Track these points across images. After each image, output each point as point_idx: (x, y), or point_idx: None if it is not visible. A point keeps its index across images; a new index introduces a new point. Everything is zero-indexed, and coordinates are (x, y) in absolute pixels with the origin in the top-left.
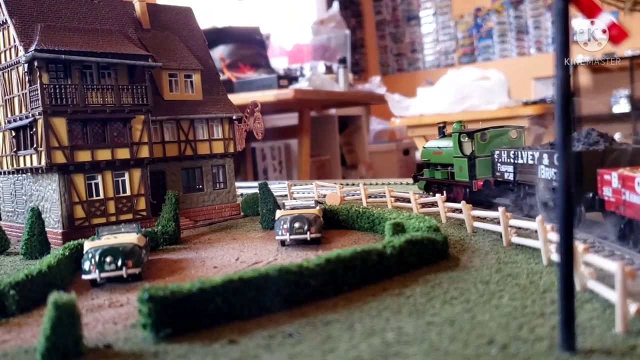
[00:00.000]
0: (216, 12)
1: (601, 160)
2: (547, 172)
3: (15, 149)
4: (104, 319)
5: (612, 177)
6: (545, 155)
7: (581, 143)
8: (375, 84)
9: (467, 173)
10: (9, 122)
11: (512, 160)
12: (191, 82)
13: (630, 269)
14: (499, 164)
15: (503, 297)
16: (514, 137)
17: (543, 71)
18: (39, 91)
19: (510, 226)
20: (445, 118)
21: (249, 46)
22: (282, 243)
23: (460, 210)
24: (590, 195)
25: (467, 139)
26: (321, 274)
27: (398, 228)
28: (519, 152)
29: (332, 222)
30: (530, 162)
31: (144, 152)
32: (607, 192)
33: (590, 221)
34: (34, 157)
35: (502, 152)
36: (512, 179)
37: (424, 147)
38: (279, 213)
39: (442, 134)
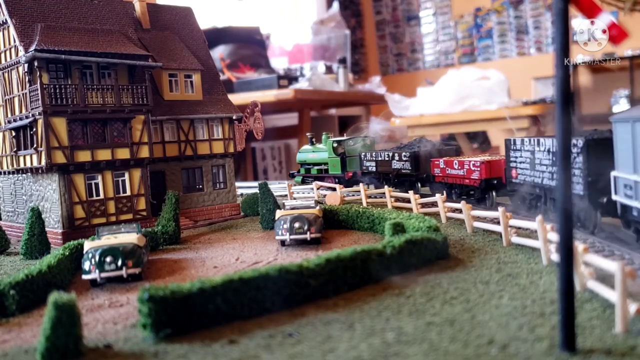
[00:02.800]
0: (216, 12)
1: (429, 155)
2: (397, 164)
3: (15, 149)
4: (104, 319)
5: (440, 162)
6: (396, 154)
7: (416, 146)
8: (375, 84)
9: (340, 168)
10: (9, 122)
11: (374, 158)
12: (191, 82)
13: (630, 269)
14: (364, 161)
15: (503, 297)
16: (369, 144)
17: (543, 71)
18: (39, 91)
19: (510, 226)
20: (446, 118)
21: (249, 46)
22: (282, 243)
23: (460, 210)
24: (424, 175)
25: (338, 144)
26: (321, 274)
27: (398, 228)
28: (379, 153)
29: (332, 222)
30: (387, 159)
31: (144, 152)
32: (437, 171)
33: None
34: (34, 157)
35: (367, 153)
36: (374, 170)
37: (299, 152)
38: (279, 213)
39: (312, 142)
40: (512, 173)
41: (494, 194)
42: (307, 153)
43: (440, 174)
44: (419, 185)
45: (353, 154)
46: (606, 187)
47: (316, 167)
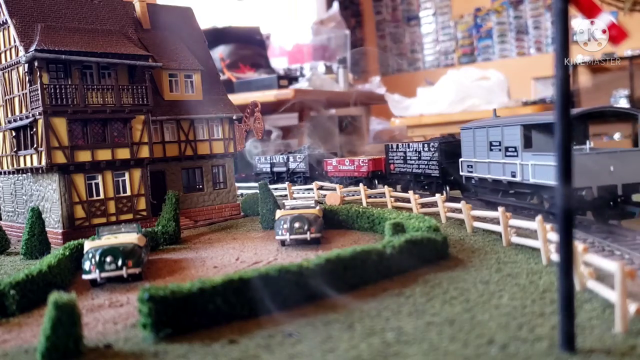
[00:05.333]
0: (216, 12)
1: (318, 161)
2: (292, 164)
3: (15, 149)
4: (104, 318)
5: (332, 161)
6: (291, 156)
7: (308, 151)
8: (375, 84)
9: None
10: (9, 122)
11: (269, 161)
12: (191, 82)
13: (630, 269)
14: (259, 164)
15: (503, 297)
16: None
17: (543, 71)
18: (39, 91)
19: (510, 226)
20: (445, 118)
21: (249, 46)
22: (282, 243)
23: (460, 210)
24: (317, 172)
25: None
26: (321, 273)
27: (398, 228)
28: (274, 156)
29: (332, 222)
30: (281, 161)
31: (144, 152)
32: (329, 168)
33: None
34: (34, 157)
35: (261, 157)
36: (269, 170)
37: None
38: (279, 213)
39: None
40: (390, 167)
41: (376, 181)
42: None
43: (332, 170)
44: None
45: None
46: (450, 172)
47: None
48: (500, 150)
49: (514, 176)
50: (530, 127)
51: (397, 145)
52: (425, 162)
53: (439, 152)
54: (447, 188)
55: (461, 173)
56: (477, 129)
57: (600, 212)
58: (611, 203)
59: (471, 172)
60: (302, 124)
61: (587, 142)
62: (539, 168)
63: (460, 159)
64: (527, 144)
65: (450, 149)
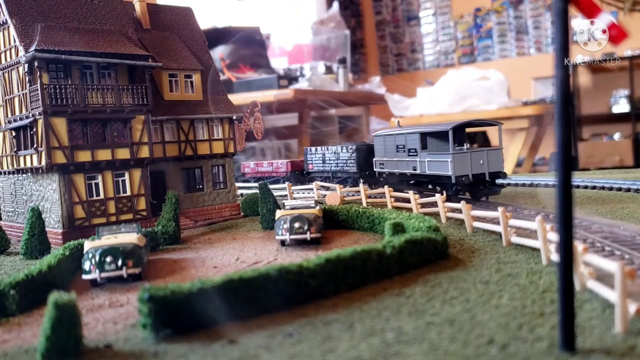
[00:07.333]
0: (216, 12)
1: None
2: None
3: (15, 149)
4: (104, 318)
5: (250, 164)
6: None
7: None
8: (375, 84)
9: None
10: (9, 122)
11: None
12: (191, 82)
13: (630, 269)
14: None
15: (503, 297)
16: None
17: (543, 71)
18: (39, 91)
19: (510, 226)
20: (445, 118)
21: (249, 46)
22: (282, 243)
23: (460, 210)
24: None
25: None
26: (321, 274)
27: (398, 228)
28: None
29: (332, 222)
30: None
31: (144, 152)
32: (247, 170)
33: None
34: (34, 157)
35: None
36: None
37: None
38: (279, 213)
39: None
40: (309, 167)
41: (292, 180)
42: None
43: (250, 172)
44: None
45: None
46: (365, 169)
47: None
48: (404, 151)
49: (415, 170)
50: (426, 134)
51: (316, 148)
52: (344, 161)
53: (357, 153)
54: (362, 181)
55: (375, 169)
56: (386, 136)
57: (475, 191)
58: (481, 186)
59: (382, 168)
60: (305, 124)
61: (465, 144)
62: (432, 163)
63: (374, 159)
64: (424, 146)
65: (364, 150)
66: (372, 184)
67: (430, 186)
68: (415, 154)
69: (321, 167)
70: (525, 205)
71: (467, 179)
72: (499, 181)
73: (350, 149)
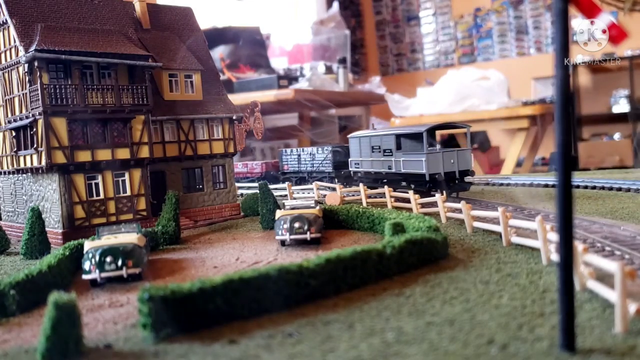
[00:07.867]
0: (216, 12)
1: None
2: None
3: (15, 149)
4: (104, 319)
5: (239, 165)
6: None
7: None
8: (375, 84)
9: None
10: (9, 122)
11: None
12: (191, 82)
13: (630, 269)
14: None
15: (503, 297)
16: None
17: (543, 71)
18: (39, 91)
19: (510, 226)
20: (445, 118)
21: (249, 46)
22: (282, 243)
23: (460, 210)
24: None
25: None
26: (321, 274)
27: (398, 228)
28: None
29: (332, 222)
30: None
31: (144, 152)
32: (241, 169)
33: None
34: (34, 157)
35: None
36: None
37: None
38: (279, 213)
39: None
40: (284, 167)
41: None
42: None
43: (242, 171)
44: None
45: None
46: (341, 168)
47: None
48: (380, 151)
49: (390, 168)
50: (400, 136)
51: (292, 149)
52: (320, 162)
53: (332, 154)
54: (336, 180)
55: (350, 169)
56: (362, 137)
57: (447, 188)
58: (452, 183)
59: (358, 167)
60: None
61: (437, 145)
62: (407, 162)
63: (350, 159)
64: (398, 147)
65: (339, 152)
66: (346, 183)
67: (404, 183)
68: (391, 154)
69: (296, 168)
70: (498, 202)
71: (440, 176)
72: (467, 179)
73: (326, 150)
